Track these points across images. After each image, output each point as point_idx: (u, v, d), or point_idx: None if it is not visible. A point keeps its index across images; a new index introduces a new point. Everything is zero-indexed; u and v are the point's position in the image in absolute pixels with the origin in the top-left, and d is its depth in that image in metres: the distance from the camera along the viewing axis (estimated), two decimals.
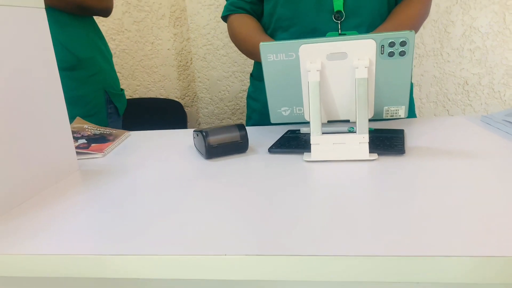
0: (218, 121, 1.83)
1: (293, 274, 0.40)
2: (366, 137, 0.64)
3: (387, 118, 0.69)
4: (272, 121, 0.72)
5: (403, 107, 0.67)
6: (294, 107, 0.70)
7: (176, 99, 1.83)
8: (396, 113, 0.68)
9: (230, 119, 1.83)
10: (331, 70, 0.64)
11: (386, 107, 0.68)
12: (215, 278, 0.42)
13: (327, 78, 0.65)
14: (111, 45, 1.81)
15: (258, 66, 1.05)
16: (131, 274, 0.43)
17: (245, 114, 1.59)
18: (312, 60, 0.64)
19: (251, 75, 1.09)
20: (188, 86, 1.86)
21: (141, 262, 0.42)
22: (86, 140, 0.85)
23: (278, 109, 0.70)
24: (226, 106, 1.80)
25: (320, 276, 0.40)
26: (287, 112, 0.71)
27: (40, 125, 0.62)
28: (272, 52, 0.65)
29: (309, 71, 0.64)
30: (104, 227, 0.49)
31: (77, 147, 0.80)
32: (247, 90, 1.81)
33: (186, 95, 1.87)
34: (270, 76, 0.67)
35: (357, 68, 0.62)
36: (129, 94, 1.88)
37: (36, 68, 0.62)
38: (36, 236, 0.48)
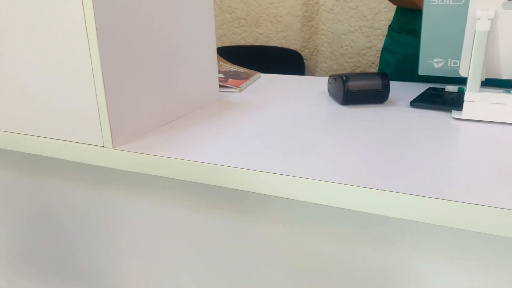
0: None
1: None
2: None
3: None
4: (420, 72, 0.67)
5: None
6: (449, 59, 0.64)
7: (296, 51, 1.82)
8: None
9: None
10: (506, 20, 0.57)
11: None
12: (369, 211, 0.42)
13: (498, 30, 0.58)
14: None
15: (400, 16, 0.98)
16: (275, 192, 0.45)
17: None
18: (484, 7, 0.57)
19: (390, 26, 1.03)
20: (309, 38, 1.83)
21: (287, 181, 0.44)
22: (223, 75, 0.89)
23: (429, 60, 0.65)
24: (346, 62, 1.74)
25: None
26: (440, 64, 0.65)
27: (192, 53, 0.66)
28: None
29: (479, 19, 0.57)
30: (242, 146, 0.51)
31: None
32: (371, 48, 1.73)
33: (306, 47, 1.85)
34: (429, 22, 0.62)
35: None
36: (250, 41, 1.92)
37: None
38: (186, 145, 0.52)
